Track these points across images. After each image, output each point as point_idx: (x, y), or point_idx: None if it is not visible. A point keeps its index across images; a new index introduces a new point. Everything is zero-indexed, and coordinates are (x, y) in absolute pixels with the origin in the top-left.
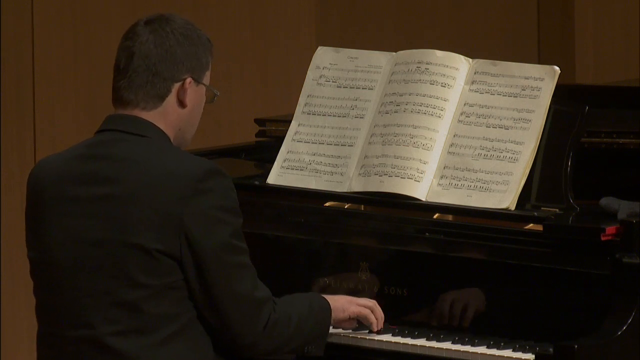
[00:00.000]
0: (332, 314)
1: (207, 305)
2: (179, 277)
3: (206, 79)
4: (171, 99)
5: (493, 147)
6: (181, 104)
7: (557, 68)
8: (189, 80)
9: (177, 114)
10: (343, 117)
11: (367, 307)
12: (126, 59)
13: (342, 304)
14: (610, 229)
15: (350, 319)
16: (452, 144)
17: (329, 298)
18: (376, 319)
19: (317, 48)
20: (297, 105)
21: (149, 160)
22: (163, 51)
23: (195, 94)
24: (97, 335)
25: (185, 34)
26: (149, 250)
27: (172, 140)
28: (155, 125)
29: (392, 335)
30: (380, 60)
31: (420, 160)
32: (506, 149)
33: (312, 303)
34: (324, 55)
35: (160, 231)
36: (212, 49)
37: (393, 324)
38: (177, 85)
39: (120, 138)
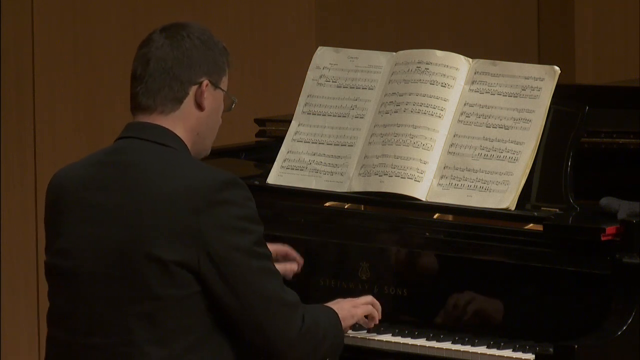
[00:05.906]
0: (343, 323)
1: (238, 314)
2: (196, 290)
3: (224, 85)
4: (189, 101)
5: (493, 147)
6: (199, 107)
7: (557, 68)
8: (206, 82)
9: (196, 118)
10: (343, 117)
11: (368, 303)
12: (142, 65)
13: (349, 311)
14: (610, 229)
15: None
16: (452, 144)
17: (334, 307)
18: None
19: (317, 48)
20: (297, 105)
21: (167, 170)
22: (179, 54)
23: (213, 98)
24: (111, 344)
25: (202, 38)
26: (166, 262)
27: (191, 146)
28: (174, 132)
29: (392, 335)
30: (380, 60)
31: (420, 160)
32: (506, 149)
33: (329, 315)
34: (324, 55)
35: (177, 243)
36: (229, 57)
37: (393, 323)
38: (194, 88)
39: (139, 146)
